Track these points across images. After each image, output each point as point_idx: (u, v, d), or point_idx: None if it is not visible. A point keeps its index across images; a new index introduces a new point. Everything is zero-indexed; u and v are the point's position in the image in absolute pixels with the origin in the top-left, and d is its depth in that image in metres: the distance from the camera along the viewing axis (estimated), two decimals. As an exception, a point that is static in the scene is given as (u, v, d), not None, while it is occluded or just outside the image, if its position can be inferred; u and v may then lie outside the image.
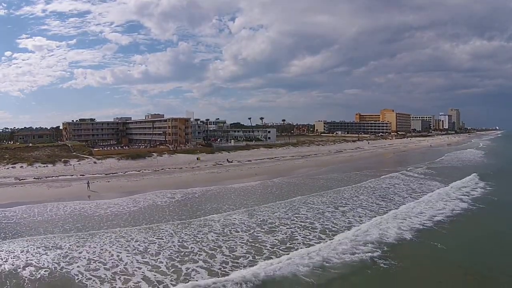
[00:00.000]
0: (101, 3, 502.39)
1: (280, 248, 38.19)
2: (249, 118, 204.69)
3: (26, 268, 32.69)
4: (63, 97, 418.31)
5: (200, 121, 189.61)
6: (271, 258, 35.43)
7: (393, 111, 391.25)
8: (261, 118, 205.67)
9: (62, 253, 36.96)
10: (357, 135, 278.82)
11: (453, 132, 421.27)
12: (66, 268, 32.95)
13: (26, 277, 31.05)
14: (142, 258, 35.35)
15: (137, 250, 37.63)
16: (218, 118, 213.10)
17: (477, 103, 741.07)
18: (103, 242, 40.42)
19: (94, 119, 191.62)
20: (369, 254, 35.89)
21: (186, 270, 32.65)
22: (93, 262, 34.28)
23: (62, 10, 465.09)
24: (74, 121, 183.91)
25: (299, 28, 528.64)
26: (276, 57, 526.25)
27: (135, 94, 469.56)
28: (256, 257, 35.76)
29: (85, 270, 32.59)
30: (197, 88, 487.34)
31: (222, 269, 33.03)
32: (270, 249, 38.16)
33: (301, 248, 38.02)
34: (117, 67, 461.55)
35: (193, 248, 38.21)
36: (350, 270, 32.47)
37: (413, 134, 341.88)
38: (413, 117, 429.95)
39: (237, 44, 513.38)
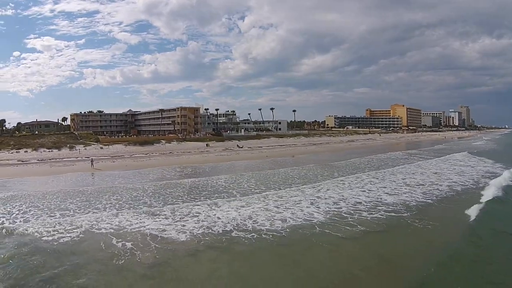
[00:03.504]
0: (110, 2, 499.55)
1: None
2: (259, 109, 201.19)
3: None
4: (72, 97, 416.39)
5: (210, 113, 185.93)
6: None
7: (403, 106, 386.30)
8: (272, 109, 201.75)
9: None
10: (368, 129, 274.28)
11: (464, 129, 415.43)
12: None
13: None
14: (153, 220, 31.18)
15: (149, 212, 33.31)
16: (228, 110, 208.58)
17: (487, 102, 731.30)
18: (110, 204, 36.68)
19: (103, 111, 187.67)
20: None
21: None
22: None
23: (71, 10, 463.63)
24: (82, 112, 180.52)
25: (308, 27, 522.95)
26: (286, 56, 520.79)
27: (145, 94, 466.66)
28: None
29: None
30: (207, 87, 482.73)
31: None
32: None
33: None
34: (127, 67, 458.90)
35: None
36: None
37: (423, 129, 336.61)
38: (423, 113, 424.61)
39: (246, 43, 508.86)
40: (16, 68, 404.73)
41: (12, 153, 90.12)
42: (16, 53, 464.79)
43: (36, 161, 78.74)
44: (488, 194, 37.87)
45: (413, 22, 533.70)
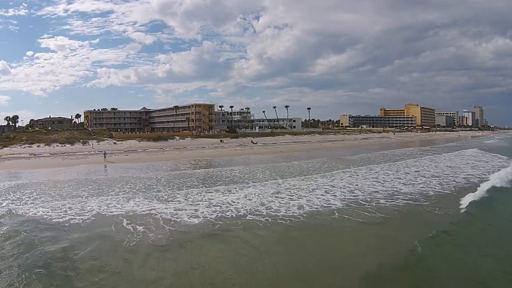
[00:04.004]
0: (124, 2, 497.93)
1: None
2: (274, 107, 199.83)
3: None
4: (86, 96, 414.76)
5: (225, 111, 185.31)
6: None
7: (417, 105, 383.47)
8: (286, 107, 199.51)
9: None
10: (382, 128, 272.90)
11: (477, 129, 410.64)
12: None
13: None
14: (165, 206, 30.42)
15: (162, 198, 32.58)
16: (243, 108, 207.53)
17: (501, 102, 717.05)
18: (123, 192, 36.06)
19: (117, 108, 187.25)
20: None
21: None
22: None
23: (85, 10, 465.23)
24: (96, 110, 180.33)
25: (323, 27, 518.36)
26: (301, 56, 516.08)
27: (159, 93, 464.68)
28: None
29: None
30: (222, 87, 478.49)
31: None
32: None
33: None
34: (141, 67, 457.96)
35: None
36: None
37: (437, 128, 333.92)
38: (437, 113, 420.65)
39: (261, 43, 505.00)
40: (30, 67, 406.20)
41: (24, 147, 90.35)
42: (29, 53, 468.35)
43: (48, 154, 78.71)
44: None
45: (428, 22, 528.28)
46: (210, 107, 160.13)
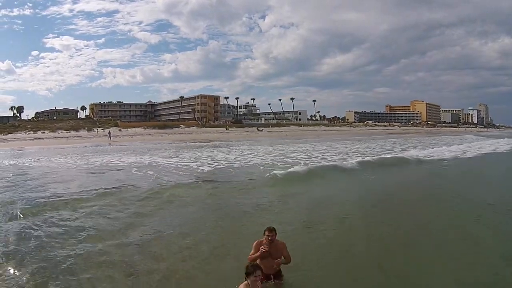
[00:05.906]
0: (130, 2, 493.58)
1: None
2: (280, 99, 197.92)
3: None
4: (92, 96, 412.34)
5: (230, 104, 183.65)
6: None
7: (423, 101, 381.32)
8: (292, 99, 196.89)
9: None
10: (388, 123, 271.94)
11: (482, 126, 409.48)
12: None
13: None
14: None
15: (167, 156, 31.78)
16: (248, 102, 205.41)
17: (507, 102, 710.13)
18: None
19: (122, 101, 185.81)
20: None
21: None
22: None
23: (90, 9, 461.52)
24: (102, 102, 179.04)
25: (330, 26, 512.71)
26: (307, 55, 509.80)
27: (165, 93, 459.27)
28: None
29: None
30: (228, 86, 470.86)
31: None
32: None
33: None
34: (147, 66, 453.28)
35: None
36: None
37: (443, 124, 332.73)
38: (442, 110, 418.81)
39: (267, 43, 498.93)
40: (35, 67, 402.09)
41: (29, 134, 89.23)
42: (34, 53, 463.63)
43: (53, 138, 77.90)
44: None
45: (434, 22, 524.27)
46: (216, 98, 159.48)
